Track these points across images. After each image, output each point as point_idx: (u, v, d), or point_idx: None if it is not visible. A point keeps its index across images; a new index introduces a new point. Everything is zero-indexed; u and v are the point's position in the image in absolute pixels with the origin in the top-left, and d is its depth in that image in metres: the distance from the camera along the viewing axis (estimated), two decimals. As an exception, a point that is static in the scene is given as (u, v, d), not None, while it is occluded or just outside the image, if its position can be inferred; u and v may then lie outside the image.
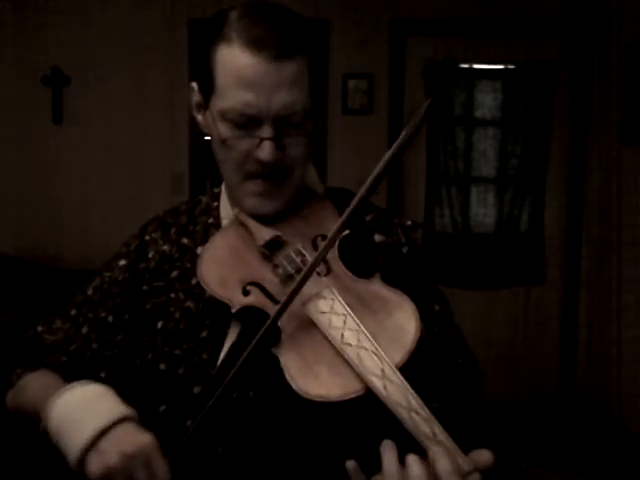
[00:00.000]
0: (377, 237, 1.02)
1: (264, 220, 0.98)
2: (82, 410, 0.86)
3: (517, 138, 3.92)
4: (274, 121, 0.91)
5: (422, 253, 1.06)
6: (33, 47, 3.81)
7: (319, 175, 1.12)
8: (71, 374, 0.99)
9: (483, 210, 3.98)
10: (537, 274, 3.99)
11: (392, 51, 3.86)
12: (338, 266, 0.91)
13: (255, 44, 0.89)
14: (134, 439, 0.82)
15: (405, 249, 1.03)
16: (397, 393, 0.75)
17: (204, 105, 0.98)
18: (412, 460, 0.72)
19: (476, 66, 3.93)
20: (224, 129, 0.93)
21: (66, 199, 3.87)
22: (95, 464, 0.81)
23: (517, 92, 3.90)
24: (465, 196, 3.96)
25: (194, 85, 1.00)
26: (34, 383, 0.98)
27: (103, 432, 0.82)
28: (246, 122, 0.91)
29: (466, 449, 0.73)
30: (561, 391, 4.01)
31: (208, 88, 0.95)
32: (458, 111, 3.91)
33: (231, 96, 0.91)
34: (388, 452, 0.74)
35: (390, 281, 0.89)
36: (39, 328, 1.07)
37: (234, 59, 0.90)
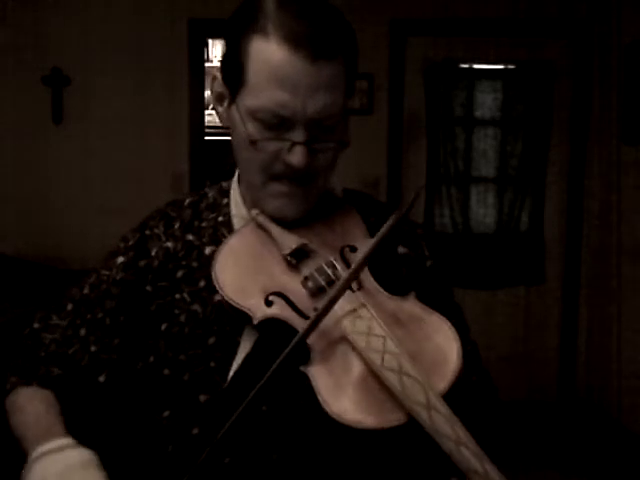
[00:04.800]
0: (400, 249, 0.98)
1: (286, 224, 0.92)
2: None
3: (517, 138, 3.92)
4: (307, 125, 0.85)
5: (445, 267, 1.02)
6: (33, 47, 3.80)
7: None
8: (65, 385, 0.97)
9: (483, 210, 3.98)
10: (537, 274, 3.98)
11: (392, 51, 3.86)
12: (369, 282, 0.86)
13: (294, 41, 0.82)
14: None
15: (428, 263, 1.00)
16: (444, 424, 0.70)
17: (230, 99, 0.91)
18: None
19: (476, 66, 3.93)
20: (253, 129, 0.87)
21: (66, 199, 3.86)
22: None
23: (517, 92, 3.90)
24: (465, 196, 3.95)
25: (218, 75, 0.93)
26: (26, 407, 0.94)
27: None
28: (278, 123, 0.86)
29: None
30: (561, 391, 4.00)
31: (236, 82, 0.88)
32: (458, 111, 3.90)
33: (264, 94, 0.84)
34: None
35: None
36: (35, 325, 1.02)
37: (270, 55, 0.83)
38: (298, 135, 0.86)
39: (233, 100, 0.90)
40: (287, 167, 0.88)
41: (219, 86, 0.94)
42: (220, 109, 0.95)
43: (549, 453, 3.34)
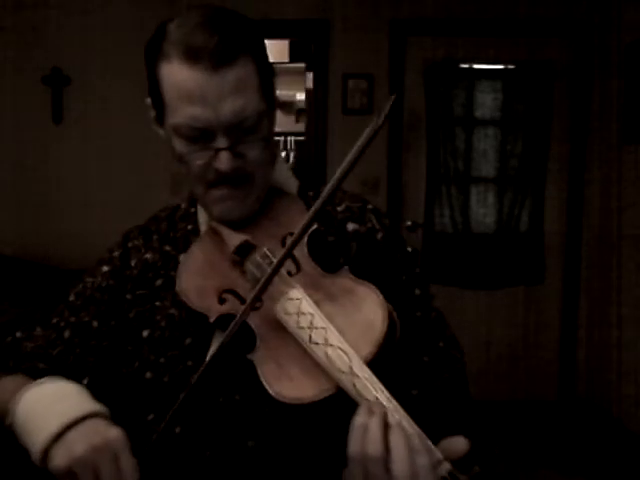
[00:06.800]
0: (350, 226, 1.01)
1: (235, 225, 0.97)
2: (51, 403, 0.85)
3: (517, 138, 3.92)
4: (226, 130, 0.89)
5: (399, 237, 1.05)
6: (33, 47, 3.81)
7: (294, 171, 1.11)
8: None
9: (483, 210, 3.98)
10: (537, 274, 3.99)
11: (392, 51, 3.86)
12: (307, 263, 0.90)
13: (192, 56, 0.87)
14: (103, 433, 0.81)
15: (379, 235, 1.02)
16: (365, 389, 0.75)
17: (158, 121, 0.98)
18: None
19: (476, 66, 3.93)
20: (179, 145, 0.93)
21: (66, 199, 3.87)
22: (60, 456, 0.79)
23: (517, 92, 3.90)
24: (465, 196, 3.95)
25: (148, 101, 0.99)
26: (6, 383, 0.95)
27: (71, 425, 0.81)
28: (199, 136, 0.90)
29: (447, 434, 0.75)
30: (561, 391, 4.01)
31: (159, 105, 0.94)
32: (458, 111, 3.90)
33: (178, 112, 0.89)
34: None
35: (364, 269, 0.89)
36: (18, 334, 1.05)
37: (174, 75, 0.88)
38: (220, 142, 0.90)
39: (162, 123, 0.96)
40: (218, 173, 0.92)
41: (152, 111, 0.99)
42: (160, 132, 1.00)
43: (549, 453, 3.34)
